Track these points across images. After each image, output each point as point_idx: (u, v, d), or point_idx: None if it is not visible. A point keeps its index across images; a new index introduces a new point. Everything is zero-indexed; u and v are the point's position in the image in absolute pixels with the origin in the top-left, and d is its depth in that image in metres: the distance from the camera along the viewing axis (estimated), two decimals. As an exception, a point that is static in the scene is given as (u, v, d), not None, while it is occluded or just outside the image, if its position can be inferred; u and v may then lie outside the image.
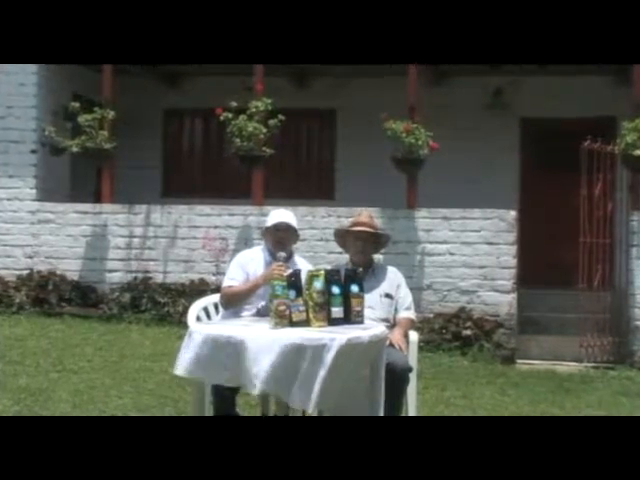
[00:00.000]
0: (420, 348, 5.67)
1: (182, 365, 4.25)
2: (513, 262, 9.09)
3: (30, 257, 10.07)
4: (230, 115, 9.28)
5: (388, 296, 4.99)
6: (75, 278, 9.85)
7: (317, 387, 3.87)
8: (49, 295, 9.56)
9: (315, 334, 4.07)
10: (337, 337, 3.99)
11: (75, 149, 9.71)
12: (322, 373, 3.89)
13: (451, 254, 9.16)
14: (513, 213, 9.17)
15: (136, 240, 9.86)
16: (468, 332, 8.67)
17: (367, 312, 4.61)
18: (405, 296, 5.06)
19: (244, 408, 5.42)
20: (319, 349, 3.93)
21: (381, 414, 4.32)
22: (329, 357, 3.91)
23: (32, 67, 10.05)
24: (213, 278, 9.44)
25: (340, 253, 5.79)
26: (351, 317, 4.42)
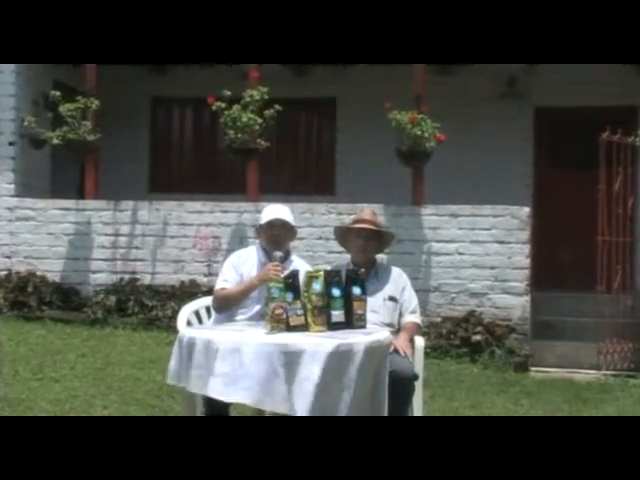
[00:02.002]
0: (426, 354, 5.67)
1: (173, 374, 4.26)
2: (526, 262, 9.09)
3: (8, 257, 10.06)
4: (223, 105, 9.28)
5: (392, 299, 5.00)
6: (57, 279, 9.85)
7: (317, 395, 3.88)
8: (29, 298, 9.56)
9: (314, 339, 4.08)
10: (338, 343, 4.00)
11: (56, 141, 9.71)
12: (321, 381, 3.90)
13: (460, 254, 9.17)
14: (526, 210, 9.17)
15: (122, 239, 9.86)
16: (478, 337, 8.67)
17: (370, 316, 4.62)
18: (410, 299, 5.07)
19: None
20: (318, 355, 3.94)
21: (385, 425, 4.33)
22: (329, 364, 3.92)
23: (10, 53, 10.04)
24: (205, 279, 9.45)
25: (341, 253, 5.79)
26: (353, 321, 4.43)
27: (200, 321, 5.12)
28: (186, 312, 5.09)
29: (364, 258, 5.05)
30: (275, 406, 3.94)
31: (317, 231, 9.30)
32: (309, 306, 4.31)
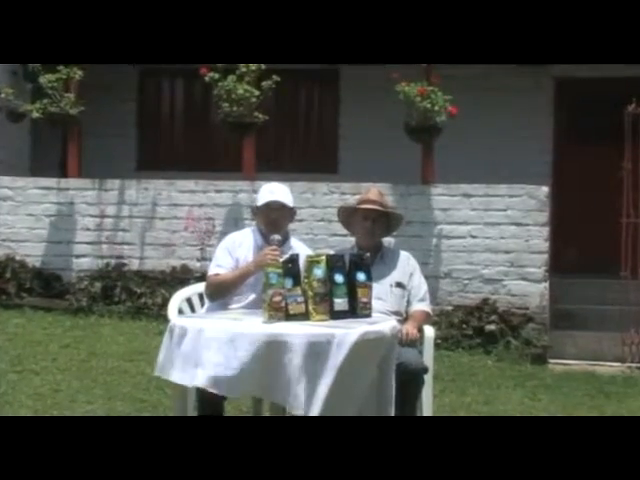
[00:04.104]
0: (437, 345, 5.69)
1: (162, 365, 4.27)
2: (545, 246, 9.09)
3: (-15, 240, 10.08)
4: (217, 75, 9.26)
5: (400, 286, 5.00)
6: (37, 264, 9.86)
7: (319, 390, 3.89)
8: (7, 284, 9.56)
9: (316, 329, 4.09)
10: (341, 333, 4.00)
11: (36, 114, 9.69)
12: (324, 374, 3.90)
13: (473, 237, 9.16)
14: (545, 189, 9.16)
15: (108, 220, 9.86)
16: (492, 327, 8.68)
17: (376, 304, 4.61)
18: (419, 285, 5.07)
19: (234, 414, 5.44)
20: (320, 346, 3.94)
21: (391, 422, 4.33)
22: (331, 356, 3.92)
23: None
24: (197, 265, 9.46)
25: (344, 236, 5.81)
26: (357, 309, 4.43)
27: (192, 309, 5.13)
28: (177, 300, 5.10)
29: (370, 241, 5.04)
30: (272, 399, 3.95)
31: (319, 212, 9.30)
32: (310, 293, 4.30)
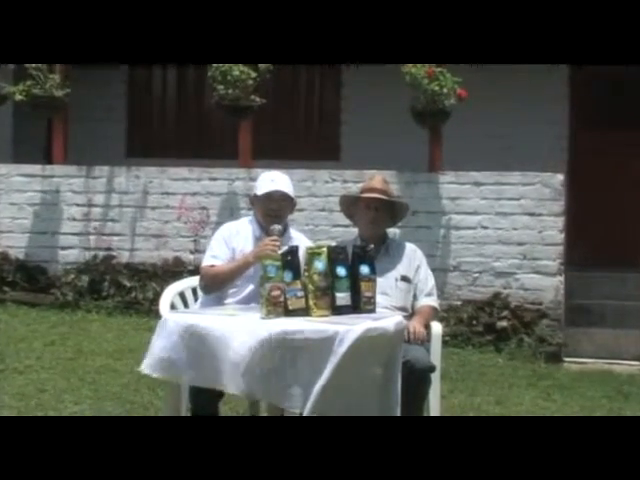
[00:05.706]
0: (445, 343, 5.69)
1: (152, 362, 4.27)
2: (560, 237, 9.09)
3: (-35, 231, 10.08)
4: (211, 55, 9.25)
5: (405, 280, 5.01)
6: (20, 256, 9.86)
7: (318, 389, 3.89)
8: (-12, 278, 9.60)
9: (317, 325, 4.09)
10: (344, 329, 4.01)
11: (19, 97, 9.67)
12: (325, 373, 3.91)
13: (483, 228, 9.17)
14: (560, 177, 9.16)
15: (96, 210, 9.86)
16: (504, 323, 8.69)
17: (380, 299, 4.62)
18: (426, 279, 5.08)
19: (230, 415, 5.45)
20: (321, 343, 3.95)
21: (397, 423, 4.34)
22: (333, 353, 3.93)
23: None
24: (191, 257, 9.47)
25: (347, 226, 5.80)
26: (360, 304, 4.43)
27: (185, 304, 5.13)
28: (169, 294, 5.10)
29: (374, 232, 5.04)
30: (269, 400, 3.96)
31: (320, 201, 9.30)
32: (310, 287, 4.31)
